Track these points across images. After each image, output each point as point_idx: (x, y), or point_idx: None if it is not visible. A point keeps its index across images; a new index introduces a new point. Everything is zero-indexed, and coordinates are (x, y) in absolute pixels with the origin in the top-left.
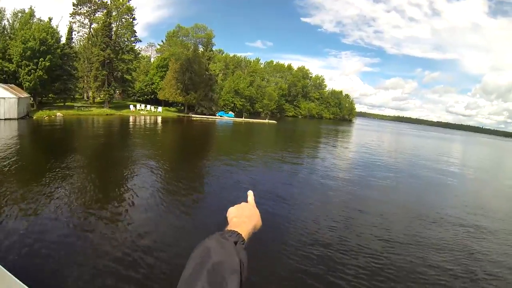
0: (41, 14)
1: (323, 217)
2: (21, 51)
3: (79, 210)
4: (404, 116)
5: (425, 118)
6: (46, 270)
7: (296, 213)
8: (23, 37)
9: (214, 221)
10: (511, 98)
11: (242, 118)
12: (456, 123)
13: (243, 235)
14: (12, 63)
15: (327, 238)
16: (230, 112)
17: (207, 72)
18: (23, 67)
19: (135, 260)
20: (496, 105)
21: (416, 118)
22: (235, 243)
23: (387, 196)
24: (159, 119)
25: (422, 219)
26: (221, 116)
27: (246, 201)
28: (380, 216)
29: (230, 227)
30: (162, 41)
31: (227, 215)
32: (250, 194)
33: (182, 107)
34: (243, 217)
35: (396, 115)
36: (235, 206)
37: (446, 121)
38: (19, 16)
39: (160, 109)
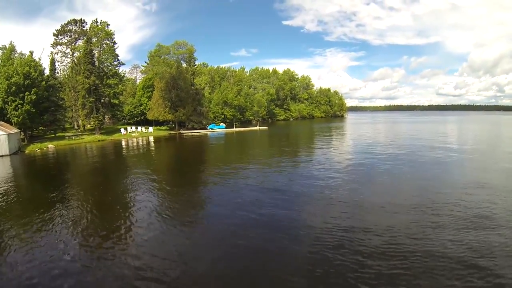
0: (22, 48)
1: (327, 218)
2: (6, 87)
3: (79, 243)
4: (395, 104)
5: (416, 104)
6: None
7: (299, 218)
8: (6, 73)
9: (213, 239)
10: (498, 72)
11: (233, 128)
12: (447, 104)
13: None
14: None
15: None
16: (221, 124)
17: (193, 87)
18: (9, 103)
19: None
20: (484, 81)
21: (407, 105)
22: None
23: (392, 192)
24: (151, 139)
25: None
26: (212, 129)
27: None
28: (387, 214)
29: None
30: (145, 62)
31: None
32: None
33: (173, 125)
34: None
35: (388, 104)
36: None
37: (437, 104)
38: (0, 53)
39: (151, 129)
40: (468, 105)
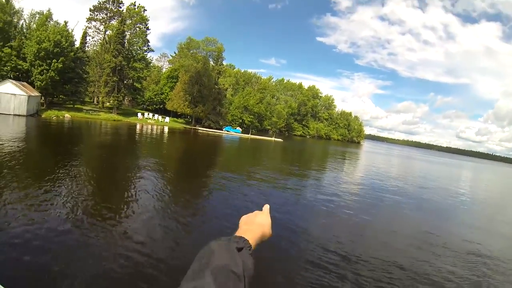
0: (58, 17)
1: (325, 243)
2: (35, 51)
3: (77, 215)
4: (414, 140)
5: (434, 143)
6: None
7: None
8: (38, 38)
9: (212, 232)
10: None
11: (249, 134)
12: (466, 149)
13: (250, 242)
14: (26, 62)
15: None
16: (238, 128)
17: (216, 86)
18: (36, 67)
19: (134, 267)
20: (507, 131)
21: (425, 143)
22: (241, 248)
23: (397, 228)
24: (166, 129)
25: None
26: (227, 131)
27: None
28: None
29: (238, 233)
30: (174, 53)
31: (239, 222)
32: (266, 206)
33: (190, 119)
34: (253, 225)
35: (406, 139)
36: (248, 214)
37: (456, 147)
38: (36, 17)
39: (167, 119)
40: (487, 153)
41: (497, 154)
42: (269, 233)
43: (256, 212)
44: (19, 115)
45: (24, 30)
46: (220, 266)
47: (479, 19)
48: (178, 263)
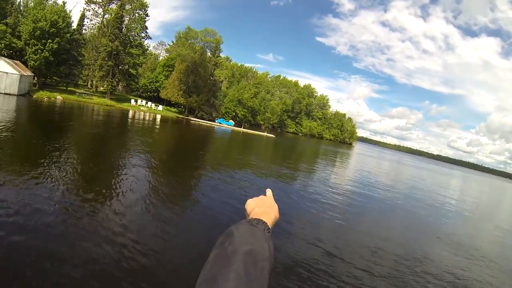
0: None
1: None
2: (31, 30)
3: (64, 199)
4: (405, 146)
5: (425, 150)
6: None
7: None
8: (34, 16)
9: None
10: None
11: (241, 128)
12: (456, 158)
13: (268, 224)
14: (21, 41)
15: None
16: (230, 121)
17: (211, 77)
18: (30, 46)
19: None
20: (498, 144)
21: (416, 149)
22: (262, 231)
23: (384, 232)
24: (158, 117)
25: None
26: (220, 123)
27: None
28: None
29: (253, 216)
30: (172, 41)
31: (246, 206)
32: (269, 190)
33: (183, 109)
34: (265, 207)
35: (398, 144)
36: (254, 198)
37: (446, 155)
38: None
39: (160, 107)
40: (476, 164)
41: (486, 166)
42: (278, 216)
43: (261, 196)
44: (10, 94)
45: (21, 8)
46: (250, 251)
47: (480, 33)
48: (173, 254)
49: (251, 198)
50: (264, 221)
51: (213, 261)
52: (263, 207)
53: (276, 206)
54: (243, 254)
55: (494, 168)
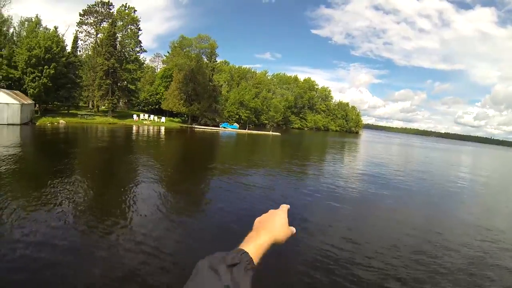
0: (48, 23)
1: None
2: (26, 59)
3: (77, 221)
4: (412, 127)
5: (433, 130)
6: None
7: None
8: (28, 45)
9: (213, 235)
10: None
11: (246, 129)
12: (464, 134)
13: (250, 253)
14: (17, 70)
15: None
16: (235, 124)
17: (211, 83)
18: (28, 74)
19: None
20: (505, 115)
21: (423, 130)
22: (234, 265)
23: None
24: (162, 129)
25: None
26: (224, 128)
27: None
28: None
29: (247, 238)
30: (168, 52)
31: (254, 223)
32: (284, 206)
33: (186, 118)
34: (260, 229)
35: (404, 127)
36: (263, 215)
37: (454, 132)
38: (26, 25)
39: (163, 119)
40: (486, 137)
41: (496, 138)
42: (282, 236)
43: (271, 211)
44: (13, 125)
45: (14, 38)
46: None
47: (474, 5)
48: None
49: (261, 213)
50: (245, 252)
51: None
52: (258, 230)
53: (280, 226)
54: None
55: (503, 139)
